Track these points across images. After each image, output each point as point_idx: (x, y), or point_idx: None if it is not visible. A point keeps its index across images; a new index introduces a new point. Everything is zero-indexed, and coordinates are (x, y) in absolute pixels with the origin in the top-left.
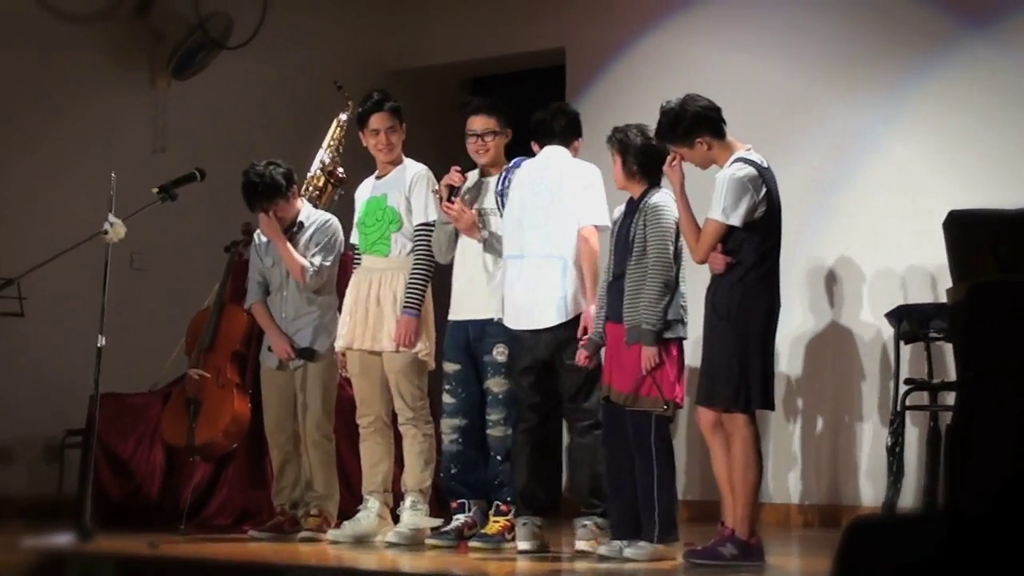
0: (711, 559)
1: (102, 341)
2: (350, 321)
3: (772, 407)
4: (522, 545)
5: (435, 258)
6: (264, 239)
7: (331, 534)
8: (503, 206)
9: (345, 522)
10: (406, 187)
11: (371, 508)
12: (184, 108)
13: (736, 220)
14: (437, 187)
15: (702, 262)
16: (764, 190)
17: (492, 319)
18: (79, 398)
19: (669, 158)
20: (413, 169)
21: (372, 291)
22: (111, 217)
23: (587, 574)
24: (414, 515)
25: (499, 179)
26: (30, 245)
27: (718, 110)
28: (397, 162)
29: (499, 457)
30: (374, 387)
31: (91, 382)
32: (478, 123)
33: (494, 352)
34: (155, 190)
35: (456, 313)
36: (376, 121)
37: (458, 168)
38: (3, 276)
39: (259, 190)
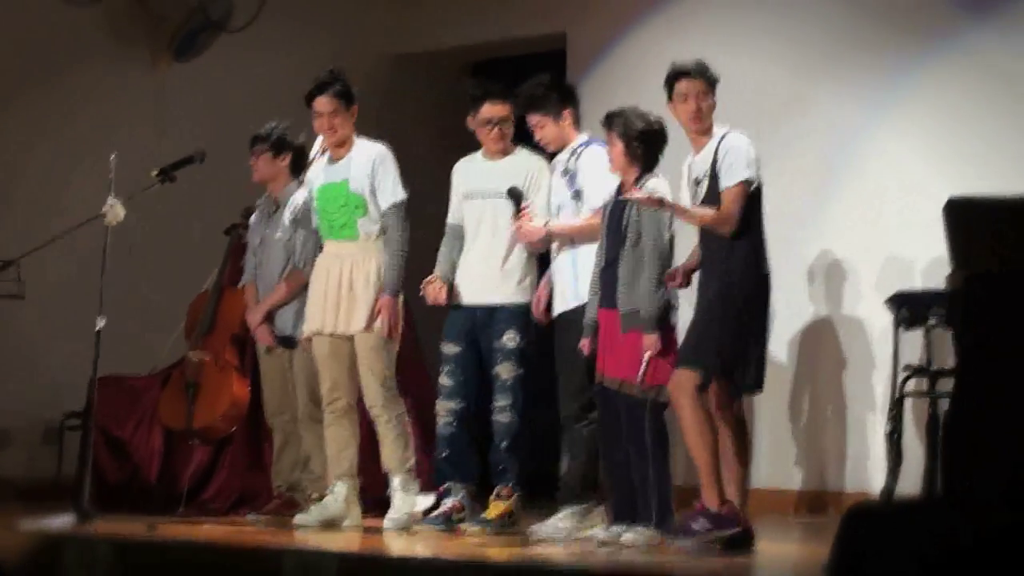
0: (684, 535)
1: (101, 323)
2: (320, 307)
3: (753, 384)
4: (602, 534)
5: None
6: (255, 219)
7: (298, 519)
8: (573, 185)
9: (312, 507)
10: (368, 170)
11: (338, 493)
12: (185, 90)
13: (753, 176)
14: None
15: (736, 231)
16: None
17: (502, 305)
18: (78, 381)
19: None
20: (371, 150)
21: (344, 275)
22: (110, 199)
23: (586, 558)
24: (406, 497)
25: (570, 157)
26: (29, 227)
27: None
28: (348, 144)
29: (504, 443)
30: (343, 370)
31: (90, 365)
32: (492, 111)
33: (504, 338)
34: (154, 172)
35: (465, 296)
36: (319, 104)
37: None
38: (2, 258)
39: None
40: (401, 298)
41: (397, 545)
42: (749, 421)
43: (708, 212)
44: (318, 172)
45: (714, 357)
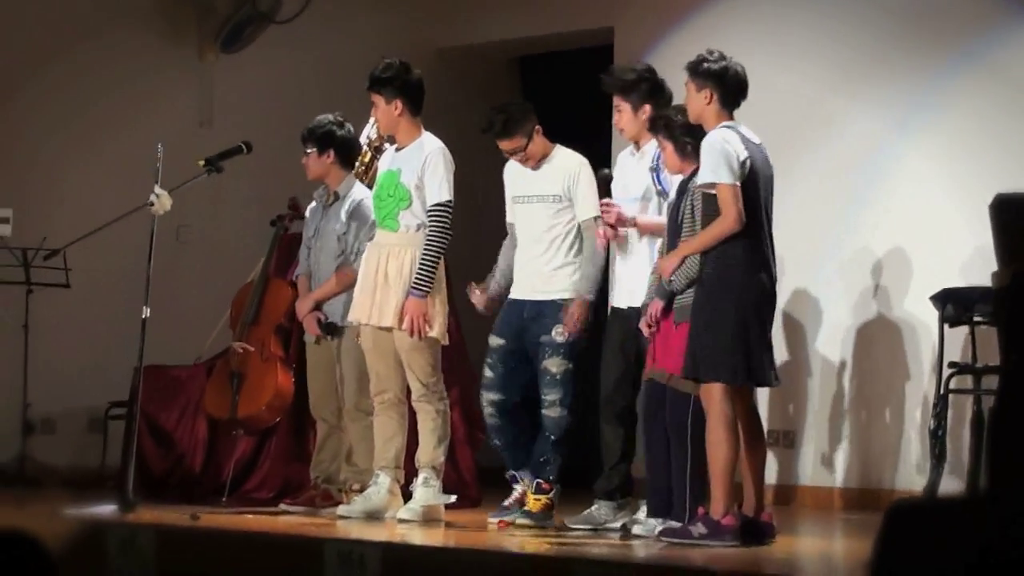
0: (680, 537)
1: (147, 313)
2: (360, 296)
3: (761, 382)
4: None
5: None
6: (311, 210)
7: (341, 509)
8: (660, 182)
9: (356, 497)
10: (419, 165)
11: (382, 484)
12: (232, 82)
13: (727, 178)
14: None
15: (740, 224)
16: (746, 153)
17: (553, 300)
18: (123, 370)
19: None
20: (428, 147)
21: (381, 266)
22: (157, 189)
23: (619, 551)
24: (426, 492)
25: (656, 156)
26: (76, 216)
27: (742, 85)
28: (414, 135)
29: (552, 437)
30: (387, 363)
31: (135, 354)
32: (504, 146)
33: (553, 332)
34: (201, 162)
35: (515, 291)
36: (375, 97)
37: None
38: (49, 247)
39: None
40: (444, 291)
41: (421, 535)
42: (798, 418)
43: (701, 240)
44: (386, 159)
45: (741, 366)
